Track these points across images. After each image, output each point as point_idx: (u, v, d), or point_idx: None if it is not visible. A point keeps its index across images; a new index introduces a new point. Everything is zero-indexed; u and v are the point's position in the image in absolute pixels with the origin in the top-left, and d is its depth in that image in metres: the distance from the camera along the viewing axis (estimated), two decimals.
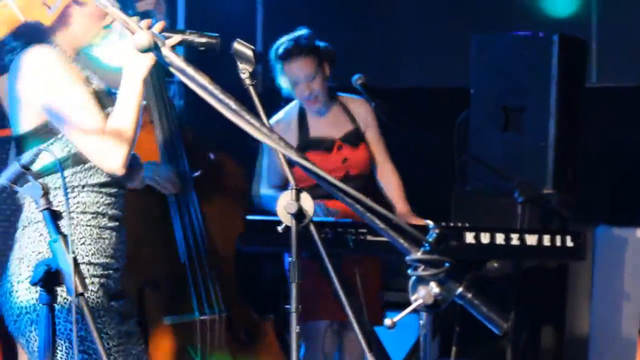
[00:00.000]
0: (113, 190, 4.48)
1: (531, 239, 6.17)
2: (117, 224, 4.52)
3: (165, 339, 5.44)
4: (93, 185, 4.40)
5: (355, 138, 6.90)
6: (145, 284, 5.43)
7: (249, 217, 6.04)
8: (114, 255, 4.49)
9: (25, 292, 4.28)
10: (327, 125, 6.91)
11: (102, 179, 4.39)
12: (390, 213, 2.98)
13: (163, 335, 5.43)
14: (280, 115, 7.01)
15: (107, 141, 4.18)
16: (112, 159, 4.15)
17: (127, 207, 4.96)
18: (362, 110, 6.90)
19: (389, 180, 6.90)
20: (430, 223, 4.86)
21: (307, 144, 6.84)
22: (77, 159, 4.31)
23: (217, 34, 4.15)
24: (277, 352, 5.70)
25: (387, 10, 9.00)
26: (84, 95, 4.30)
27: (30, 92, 4.34)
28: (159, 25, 4.32)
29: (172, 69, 3.01)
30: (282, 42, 6.89)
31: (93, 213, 4.41)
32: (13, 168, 3.70)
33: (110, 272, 4.49)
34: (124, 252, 4.60)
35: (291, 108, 7.00)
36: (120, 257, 4.55)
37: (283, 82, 6.92)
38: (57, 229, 3.61)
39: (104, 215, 4.45)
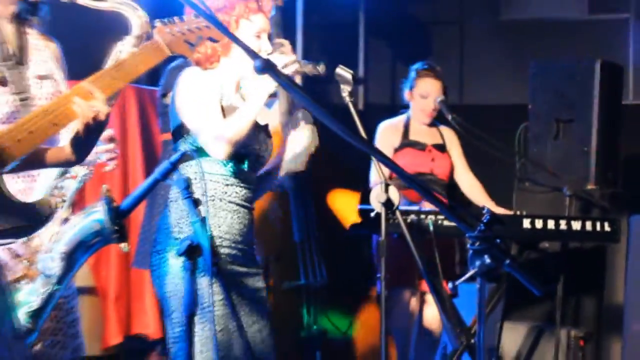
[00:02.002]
0: (239, 182, 4.40)
1: (576, 225, 6.24)
2: (237, 207, 4.42)
3: (283, 300, 5.56)
4: (219, 179, 4.34)
5: (442, 148, 6.97)
6: (269, 257, 5.54)
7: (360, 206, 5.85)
8: (240, 232, 4.39)
9: (172, 261, 4.20)
10: (423, 133, 6.95)
11: (224, 175, 4.35)
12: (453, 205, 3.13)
13: (282, 297, 5.57)
14: (392, 120, 7.04)
15: (215, 133, 4.15)
16: (215, 147, 4.12)
17: (261, 200, 5.18)
18: (449, 133, 7.00)
19: (474, 186, 6.92)
20: (486, 207, 5.18)
21: (407, 143, 6.87)
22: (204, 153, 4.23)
23: (322, 62, 4.18)
24: (370, 317, 5.83)
25: (463, 41, 9.00)
26: (210, 103, 4.24)
27: (175, 97, 4.33)
28: (289, 57, 4.40)
29: (288, 91, 3.04)
30: (423, 63, 7.03)
31: (222, 200, 4.33)
32: (164, 165, 3.67)
33: (237, 245, 4.40)
34: (250, 229, 4.51)
35: (401, 116, 7.03)
36: (246, 233, 4.46)
37: (411, 94, 6.99)
38: (198, 213, 3.61)
39: (224, 200, 4.35)
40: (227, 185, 4.31)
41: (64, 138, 3.24)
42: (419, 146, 6.91)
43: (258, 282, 4.58)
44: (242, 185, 4.40)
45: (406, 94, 7.03)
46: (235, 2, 4.24)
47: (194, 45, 3.17)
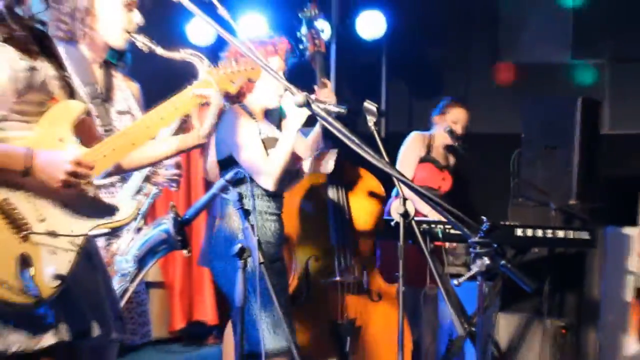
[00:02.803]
0: (275, 197, 4.39)
1: (560, 233, 6.20)
2: (276, 217, 4.45)
3: (321, 294, 5.29)
4: (263, 195, 4.31)
5: (452, 171, 6.96)
6: (309, 257, 5.31)
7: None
8: (273, 236, 4.37)
9: (225, 261, 4.16)
10: (441, 154, 6.93)
11: (266, 192, 4.32)
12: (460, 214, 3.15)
13: (320, 291, 5.29)
14: (422, 133, 6.99)
15: (263, 170, 4.17)
16: (265, 181, 4.14)
17: (301, 207, 5.31)
18: (452, 158, 7.00)
19: None
20: (484, 219, 5.12)
21: (430, 158, 6.83)
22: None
23: (345, 106, 4.13)
24: (391, 310, 5.39)
25: (468, 80, 8.77)
26: (253, 140, 4.25)
27: (223, 134, 4.29)
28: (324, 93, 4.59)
29: (320, 120, 2.93)
30: (449, 97, 7.07)
31: (266, 212, 4.35)
32: (220, 182, 3.67)
33: (277, 247, 4.43)
34: (282, 233, 4.54)
35: (427, 133, 6.98)
36: (278, 237, 4.47)
37: (440, 118, 6.95)
38: (248, 221, 3.58)
39: (267, 212, 4.37)
40: (269, 201, 4.35)
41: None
42: (438, 165, 6.89)
43: (285, 276, 4.67)
44: (278, 198, 4.46)
45: (435, 118, 7.03)
46: (255, 46, 4.20)
47: (235, 84, 3.18)
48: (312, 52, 4.98)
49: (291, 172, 4.46)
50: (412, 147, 6.85)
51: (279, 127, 4.65)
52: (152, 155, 3.02)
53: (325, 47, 5.06)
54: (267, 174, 4.18)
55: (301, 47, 4.89)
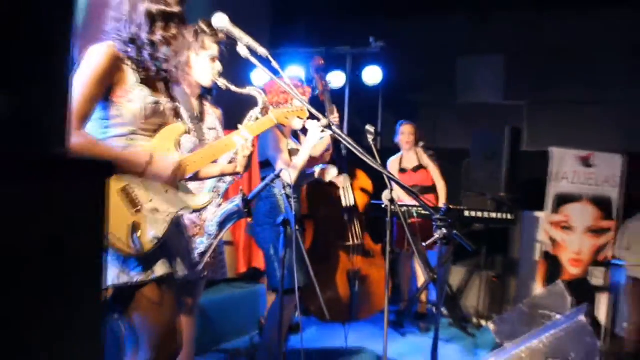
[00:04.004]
0: (296, 187, 4.16)
1: (493, 215, 6.20)
2: (296, 199, 4.21)
3: (336, 256, 5.14)
4: (289, 186, 3.95)
5: (419, 168, 6.59)
6: (329, 227, 5.19)
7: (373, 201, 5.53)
8: (294, 211, 4.27)
9: (269, 229, 4.09)
10: (408, 161, 6.60)
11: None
12: (426, 199, 3.08)
13: (337, 253, 5.14)
14: (395, 156, 6.66)
15: (287, 170, 3.93)
16: (287, 177, 3.89)
17: (327, 197, 5.21)
18: (425, 158, 6.64)
19: (442, 191, 6.51)
20: (444, 203, 5.14)
21: (402, 169, 6.58)
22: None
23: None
24: (382, 263, 5.20)
25: (436, 114, 8.59)
26: (284, 147, 4.12)
27: (264, 144, 4.16)
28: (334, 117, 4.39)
29: (338, 136, 2.81)
30: (403, 121, 6.75)
31: (292, 197, 3.91)
32: (271, 176, 3.48)
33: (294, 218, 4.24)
34: (299, 210, 4.41)
35: (398, 155, 6.67)
36: (298, 212, 4.30)
37: (399, 139, 6.67)
38: (289, 202, 3.48)
39: (296, 197, 4.20)
40: (292, 189, 4.26)
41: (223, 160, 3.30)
42: (407, 170, 6.59)
43: (304, 235, 4.70)
44: (297, 188, 4.31)
45: (399, 140, 6.75)
46: (276, 93, 4.16)
47: (289, 119, 3.21)
48: (321, 89, 4.97)
49: (305, 175, 4.33)
50: (391, 167, 6.69)
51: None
52: (209, 172, 3.06)
53: (328, 86, 5.02)
54: (291, 170, 4.06)
55: (313, 85, 4.85)
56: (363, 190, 5.52)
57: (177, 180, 2.55)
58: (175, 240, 2.59)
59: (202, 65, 3.38)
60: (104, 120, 2.39)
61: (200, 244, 3.36)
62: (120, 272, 2.34)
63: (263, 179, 4.24)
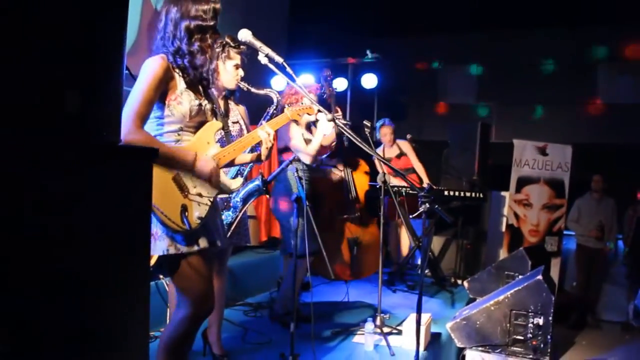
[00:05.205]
0: (309, 170, 4.06)
1: (467, 194, 5.86)
2: (307, 180, 4.03)
3: (340, 226, 5.19)
4: (304, 170, 3.97)
5: (400, 156, 6.28)
6: (336, 203, 5.32)
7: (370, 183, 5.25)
8: (307, 190, 3.93)
9: (285, 205, 3.97)
10: (391, 152, 6.27)
11: (305, 166, 4.02)
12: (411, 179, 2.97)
13: (341, 226, 5.19)
14: (378, 149, 6.29)
15: (304, 153, 3.90)
16: (305, 158, 3.87)
17: (332, 181, 4.90)
18: (406, 146, 6.32)
19: (421, 171, 6.18)
20: (428, 184, 5.10)
21: (387, 158, 6.21)
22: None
23: (349, 122, 3.83)
24: (377, 233, 5.37)
25: (421, 112, 8.40)
26: (300, 137, 3.98)
27: (282, 133, 3.98)
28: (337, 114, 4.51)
29: (341, 129, 2.76)
30: (381, 120, 6.42)
31: (305, 179, 3.97)
32: (287, 161, 3.57)
33: (306, 195, 4.07)
34: (310, 189, 4.13)
35: (379, 148, 6.29)
36: (308, 190, 4.07)
37: (380, 134, 6.39)
38: (301, 182, 3.46)
39: (304, 178, 3.96)
40: (305, 172, 4.05)
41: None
42: (391, 158, 6.32)
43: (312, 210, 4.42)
44: (309, 171, 4.16)
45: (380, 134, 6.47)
46: (289, 95, 4.06)
47: (300, 116, 3.16)
48: (328, 93, 4.92)
49: (319, 161, 4.24)
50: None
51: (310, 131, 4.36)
52: (241, 160, 3.02)
53: (334, 91, 4.98)
54: (307, 155, 3.97)
55: (322, 90, 4.80)
56: (366, 172, 5.44)
57: (217, 171, 2.47)
58: (212, 217, 2.53)
59: (228, 72, 3.29)
60: (159, 119, 2.35)
61: (228, 217, 3.31)
62: (170, 244, 2.28)
63: (281, 162, 4.16)
